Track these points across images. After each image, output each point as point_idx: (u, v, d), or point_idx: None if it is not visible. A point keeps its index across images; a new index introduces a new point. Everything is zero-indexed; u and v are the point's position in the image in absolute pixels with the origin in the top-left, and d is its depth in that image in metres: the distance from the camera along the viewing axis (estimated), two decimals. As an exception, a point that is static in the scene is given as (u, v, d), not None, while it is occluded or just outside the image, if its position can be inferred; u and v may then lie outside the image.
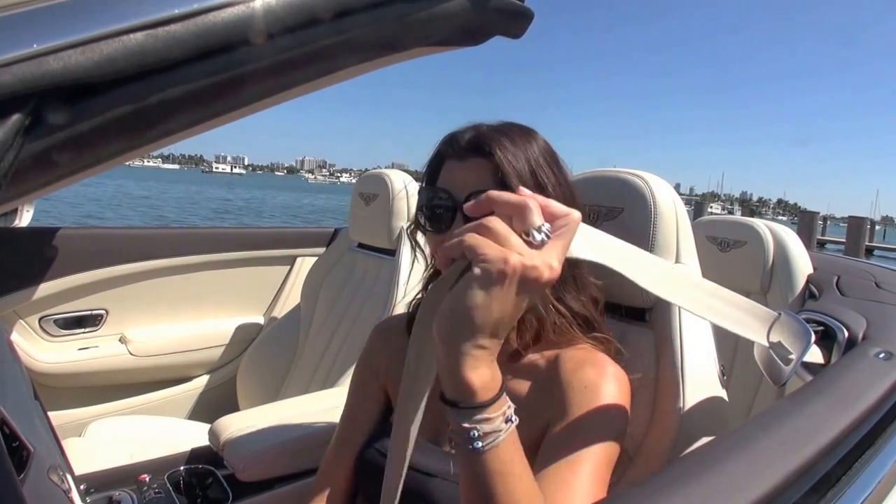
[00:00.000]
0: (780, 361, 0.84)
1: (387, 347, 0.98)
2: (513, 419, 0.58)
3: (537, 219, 0.55)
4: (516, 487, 0.58)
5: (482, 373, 0.56)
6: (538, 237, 0.54)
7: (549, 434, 0.75)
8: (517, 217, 0.55)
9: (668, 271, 0.76)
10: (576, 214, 0.57)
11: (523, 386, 0.82)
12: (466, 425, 0.56)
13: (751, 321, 0.81)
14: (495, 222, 0.54)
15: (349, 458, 0.95)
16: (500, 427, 0.57)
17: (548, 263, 0.54)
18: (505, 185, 0.74)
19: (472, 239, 0.53)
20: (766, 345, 0.86)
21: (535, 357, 0.84)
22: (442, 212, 0.79)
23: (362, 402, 0.99)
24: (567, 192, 0.80)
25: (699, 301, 0.75)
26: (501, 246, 0.53)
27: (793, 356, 0.83)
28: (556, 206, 0.57)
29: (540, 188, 0.77)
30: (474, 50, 0.53)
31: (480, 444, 0.56)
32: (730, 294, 0.78)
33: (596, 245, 0.64)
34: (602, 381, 0.77)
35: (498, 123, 0.83)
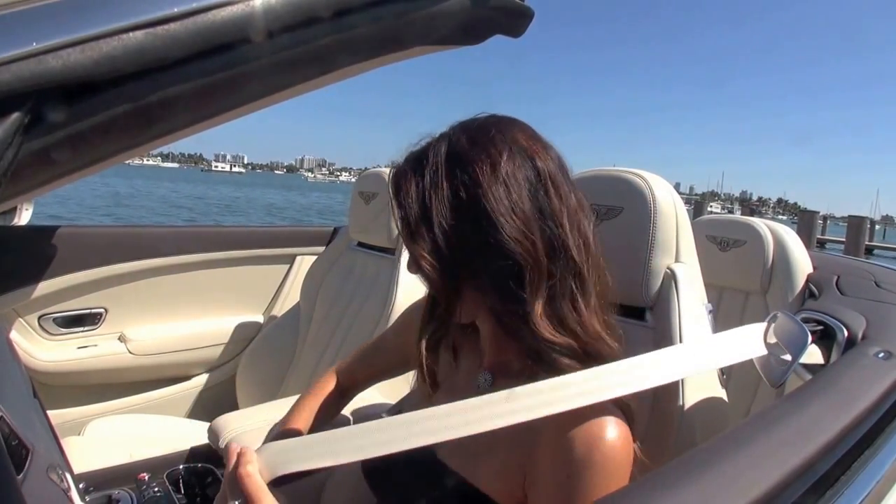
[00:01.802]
0: (775, 363, 0.85)
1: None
2: None
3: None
4: None
5: None
6: None
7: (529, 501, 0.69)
8: None
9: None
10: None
11: None
12: None
13: (749, 344, 0.85)
14: None
15: (361, 376, 1.06)
16: None
17: None
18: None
19: None
20: (766, 352, 0.87)
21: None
22: None
23: (400, 340, 1.01)
24: (478, 208, 0.69)
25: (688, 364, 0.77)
26: None
27: (788, 358, 0.83)
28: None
29: (428, 223, 0.70)
30: (475, 49, 0.52)
31: None
32: (720, 336, 0.82)
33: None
34: (591, 459, 0.65)
35: (416, 149, 0.76)
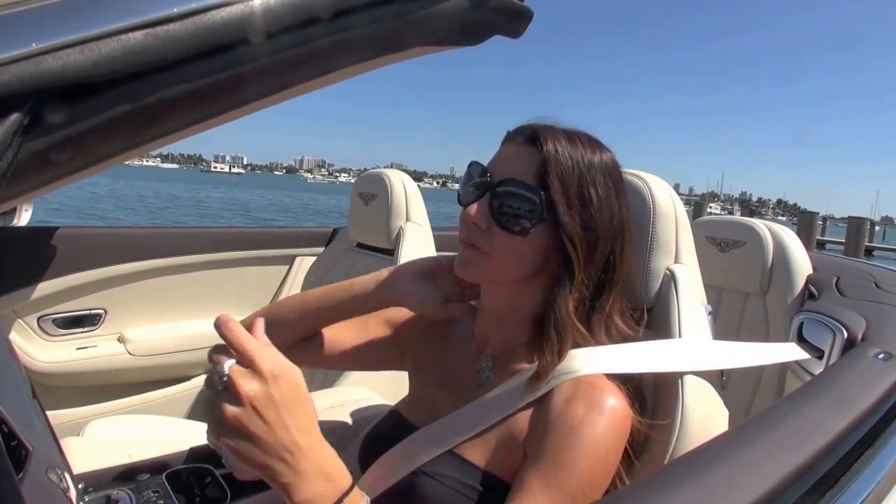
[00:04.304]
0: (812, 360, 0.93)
1: (422, 328, 0.97)
2: None
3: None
4: None
5: None
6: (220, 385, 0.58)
7: (522, 470, 0.72)
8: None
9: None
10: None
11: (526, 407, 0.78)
12: None
13: (775, 350, 0.97)
14: None
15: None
16: None
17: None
18: (544, 181, 0.76)
19: None
20: (795, 359, 0.95)
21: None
22: (474, 187, 0.82)
23: (376, 326, 1.00)
24: (611, 218, 0.79)
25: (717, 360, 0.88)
26: None
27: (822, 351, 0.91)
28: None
29: (581, 200, 0.77)
30: (473, 53, 0.52)
31: None
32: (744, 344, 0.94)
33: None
34: (591, 420, 0.71)
35: (573, 129, 0.83)
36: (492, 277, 0.82)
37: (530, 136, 0.80)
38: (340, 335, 0.99)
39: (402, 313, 1.00)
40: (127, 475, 1.31)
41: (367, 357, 1.00)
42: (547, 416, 0.74)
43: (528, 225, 0.76)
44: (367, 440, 0.93)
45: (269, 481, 0.59)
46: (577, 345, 0.78)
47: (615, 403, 0.73)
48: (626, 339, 0.81)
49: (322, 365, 1.01)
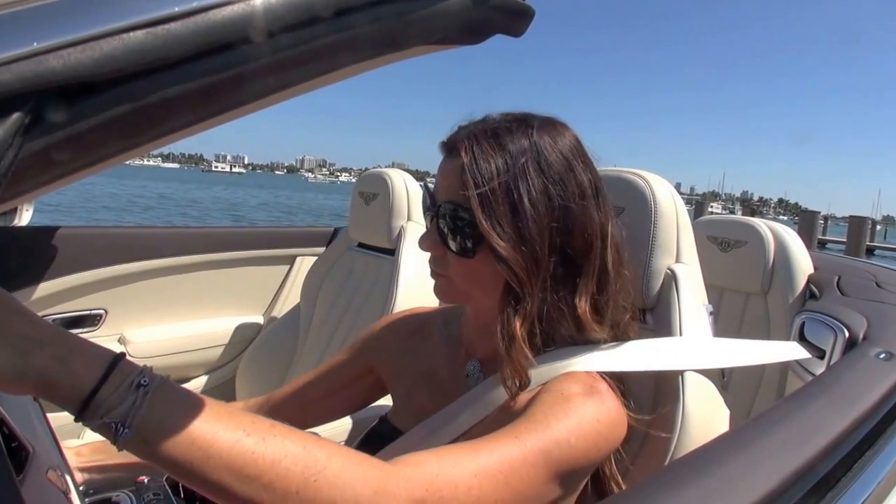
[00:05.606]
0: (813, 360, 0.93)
1: (396, 341, 0.97)
2: (144, 382, 0.49)
3: None
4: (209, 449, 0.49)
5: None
6: None
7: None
8: None
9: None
10: None
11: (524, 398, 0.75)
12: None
13: (776, 349, 0.97)
14: None
15: (314, 394, 1.00)
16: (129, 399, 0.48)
17: None
18: (467, 196, 0.71)
19: None
20: (796, 358, 0.96)
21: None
22: (427, 210, 0.80)
23: (350, 363, 1.01)
24: (552, 209, 0.72)
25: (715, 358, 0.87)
26: None
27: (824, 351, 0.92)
28: None
29: (511, 204, 0.70)
30: (474, 50, 0.52)
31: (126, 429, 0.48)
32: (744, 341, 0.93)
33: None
34: (584, 400, 0.69)
35: (497, 118, 0.76)
36: (464, 300, 0.82)
37: (450, 147, 0.76)
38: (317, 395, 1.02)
39: (368, 334, 1.01)
40: (127, 477, 1.30)
41: (354, 399, 1.04)
42: (534, 395, 0.72)
43: (471, 245, 0.73)
44: (357, 449, 0.93)
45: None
46: (572, 342, 0.77)
47: (612, 406, 0.71)
48: (624, 334, 0.79)
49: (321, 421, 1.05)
